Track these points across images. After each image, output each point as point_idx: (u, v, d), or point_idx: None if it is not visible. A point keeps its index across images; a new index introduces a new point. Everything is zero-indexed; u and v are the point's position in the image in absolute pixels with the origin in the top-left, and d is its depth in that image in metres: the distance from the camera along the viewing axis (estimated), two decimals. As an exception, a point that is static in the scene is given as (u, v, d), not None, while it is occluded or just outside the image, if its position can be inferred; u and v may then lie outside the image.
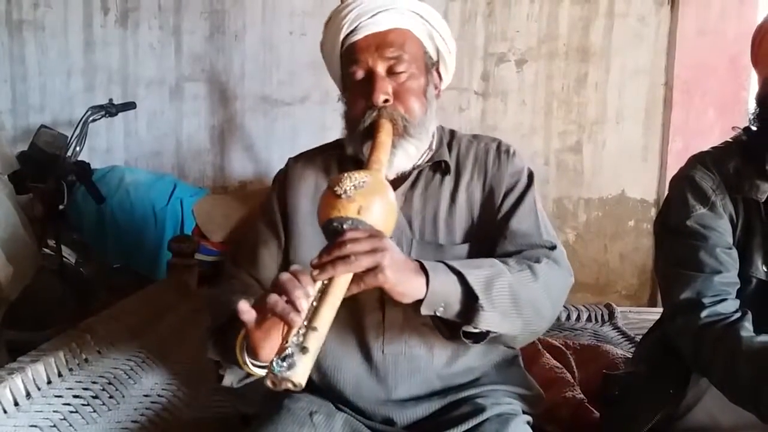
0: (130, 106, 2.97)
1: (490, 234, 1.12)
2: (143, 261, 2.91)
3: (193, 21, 3.33)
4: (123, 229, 2.89)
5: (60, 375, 1.44)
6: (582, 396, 1.45)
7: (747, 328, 1.08)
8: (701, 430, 1.15)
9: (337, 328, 1.11)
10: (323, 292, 0.85)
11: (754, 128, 1.20)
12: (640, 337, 1.54)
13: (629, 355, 1.65)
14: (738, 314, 1.11)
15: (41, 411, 1.29)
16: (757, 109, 1.19)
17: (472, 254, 1.11)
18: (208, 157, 3.42)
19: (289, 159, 1.26)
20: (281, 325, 0.85)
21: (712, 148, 1.27)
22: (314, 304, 0.83)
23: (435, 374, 1.12)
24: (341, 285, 0.85)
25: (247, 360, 0.94)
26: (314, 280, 0.85)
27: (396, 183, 1.12)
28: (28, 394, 1.33)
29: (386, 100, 1.08)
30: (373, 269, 0.85)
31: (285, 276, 0.85)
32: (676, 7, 3.14)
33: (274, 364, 0.78)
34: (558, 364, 1.60)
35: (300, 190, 1.19)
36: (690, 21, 3.11)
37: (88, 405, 1.35)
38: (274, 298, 0.83)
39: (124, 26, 3.36)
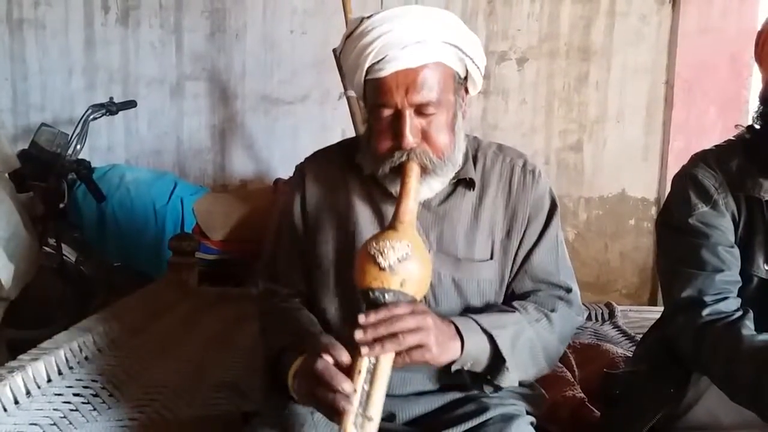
0: (130, 104, 2.98)
1: (510, 260, 1.15)
2: (144, 259, 2.91)
3: (194, 20, 3.33)
4: (123, 228, 2.89)
5: (60, 373, 1.44)
6: (582, 395, 1.44)
7: (748, 327, 1.08)
8: (702, 429, 1.15)
9: (337, 324, 1.12)
10: (372, 374, 0.88)
11: (757, 126, 1.20)
12: (641, 336, 1.54)
13: (630, 354, 1.65)
14: (739, 313, 1.11)
15: (42, 409, 1.29)
16: (761, 108, 1.19)
17: (489, 273, 1.13)
18: (209, 156, 3.42)
19: (304, 161, 1.25)
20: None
21: (715, 146, 1.26)
22: (365, 387, 0.87)
23: (435, 373, 1.12)
24: (387, 365, 0.89)
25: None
26: (360, 356, 0.88)
27: None
28: (28, 393, 1.33)
29: (416, 143, 1.05)
30: (420, 347, 0.90)
31: (325, 365, 0.89)
32: (678, 5, 3.13)
33: None
34: (558, 363, 1.60)
35: (317, 192, 1.19)
36: (691, 19, 3.11)
37: (88, 403, 1.35)
38: (322, 391, 0.88)
39: (125, 25, 3.36)
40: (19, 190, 2.66)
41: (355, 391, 0.86)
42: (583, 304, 2.16)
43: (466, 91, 1.17)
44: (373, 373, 0.88)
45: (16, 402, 1.29)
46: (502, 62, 3.26)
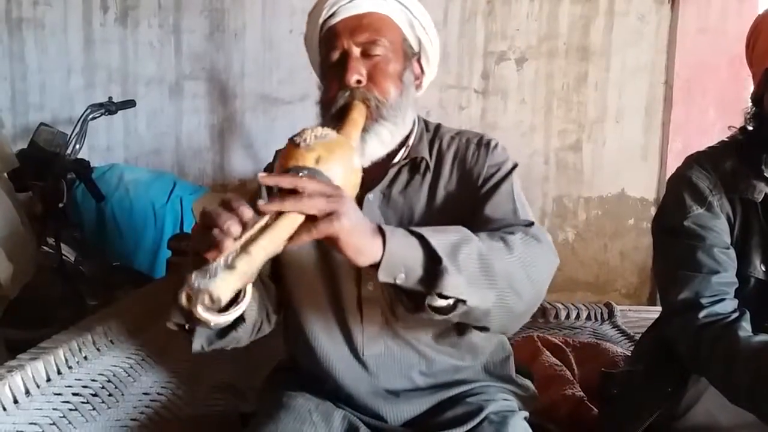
0: (129, 104, 2.97)
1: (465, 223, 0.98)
2: (143, 259, 2.91)
3: (193, 19, 3.33)
4: (122, 227, 2.89)
5: (60, 373, 1.43)
6: (582, 394, 1.45)
7: (745, 328, 1.08)
8: (701, 430, 1.15)
9: (323, 325, 1.11)
10: (265, 227, 0.75)
11: (750, 128, 1.20)
12: (640, 335, 1.54)
13: (629, 354, 1.65)
14: (736, 314, 1.11)
15: (41, 409, 1.29)
16: (753, 109, 1.19)
17: None
18: (208, 156, 3.42)
19: (277, 151, 1.25)
20: None
21: (709, 147, 1.27)
22: (252, 235, 0.74)
23: (418, 371, 1.11)
24: (287, 224, 0.76)
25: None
26: (259, 212, 0.76)
27: (375, 181, 1.09)
28: (27, 392, 1.32)
29: (359, 81, 1.05)
30: (329, 215, 0.77)
31: (216, 207, 0.79)
32: (677, 5, 3.13)
33: (193, 276, 0.70)
34: (558, 362, 1.60)
35: None
36: (690, 19, 3.11)
37: (87, 403, 1.35)
38: (204, 229, 0.77)
39: (124, 24, 3.35)
40: (18, 189, 2.66)
41: (240, 237, 0.75)
42: (582, 303, 2.18)
43: (421, 68, 1.17)
44: (265, 228, 0.75)
45: (16, 401, 1.28)
46: (501, 62, 3.25)
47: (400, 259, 0.83)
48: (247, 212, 0.77)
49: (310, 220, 0.77)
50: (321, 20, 1.10)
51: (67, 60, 3.38)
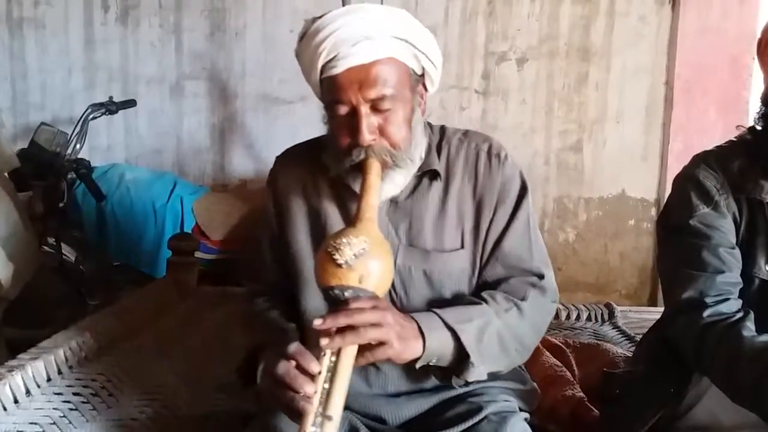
0: (130, 103, 2.98)
1: (480, 247, 1.13)
2: (143, 259, 2.91)
3: (194, 19, 3.33)
4: (123, 227, 2.89)
5: (60, 372, 1.44)
6: (582, 394, 1.44)
7: (749, 328, 1.08)
8: (703, 429, 1.15)
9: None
10: (333, 371, 0.87)
11: (758, 128, 1.20)
12: (640, 336, 1.54)
13: (629, 354, 1.65)
14: (740, 314, 1.11)
15: (41, 408, 1.29)
16: (763, 109, 1.18)
17: (460, 263, 1.12)
18: (209, 155, 3.42)
19: (276, 160, 1.26)
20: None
21: (716, 147, 1.26)
22: (325, 386, 0.87)
23: (425, 372, 1.10)
24: (349, 362, 0.88)
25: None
26: (322, 349, 0.88)
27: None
28: (28, 392, 1.33)
29: (373, 139, 1.05)
30: (382, 344, 0.91)
31: (286, 368, 0.90)
32: (677, 6, 3.13)
33: None
34: (558, 363, 1.60)
35: (287, 192, 1.19)
36: (691, 20, 3.11)
37: (87, 402, 1.35)
38: (283, 392, 0.89)
39: (125, 24, 3.36)
40: (19, 189, 2.65)
41: (315, 392, 0.86)
42: (582, 304, 2.18)
43: (425, 88, 1.15)
44: (333, 370, 0.87)
45: (16, 401, 1.29)
46: (501, 62, 3.26)
47: (435, 354, 1.00)
48: (315, 367, 0.88)
49: (364, 348, 0.91)
50: (320, 63, 1.05)
51: (68, 59, 3.38)
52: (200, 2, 3.31)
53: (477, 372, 1.02)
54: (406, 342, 0.94)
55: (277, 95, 3.33)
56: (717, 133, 2.99)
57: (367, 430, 1.08)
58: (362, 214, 0.99)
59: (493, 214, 1.12)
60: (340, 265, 0.89)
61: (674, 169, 1.30)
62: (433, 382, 1.12)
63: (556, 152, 3.30)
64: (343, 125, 1.06)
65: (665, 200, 1.34)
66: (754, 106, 1.21)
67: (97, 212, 2.88)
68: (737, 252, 1.16)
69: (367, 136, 1.03)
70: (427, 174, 1.14)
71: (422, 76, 1.12)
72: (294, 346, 0.93)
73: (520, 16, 3.23)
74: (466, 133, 1.19)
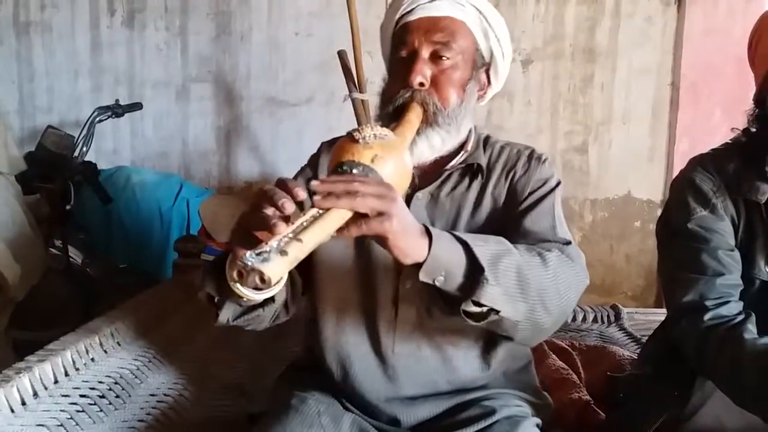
0: (136, 106, 2.99)
1: (505, 231, 1.04)
2: (149, 261, 2.92)
3: (200, 22, 3.34)
4: (129, 230, 2.90)
5: (67, 374, 1.44)
6: (588, 397, 1.44)
7: (750, 330, 1.08)
8: (707, 433, 1.15)
9: (351, 321, 1.11)
10: (317, 218, 0.77)
11: (753, 130, 1.20)
12: (647, 338, 1.54)
13: (635, 357, 1.64)
14: (741, 316, 1.11)
15: (48, 410, 1.29)
16: (755, 110, 1.19)
17: None
18: (214, 158, 3.43)
19: (322, 143, 1.24)
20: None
21: (712, 149, 1.27)
22: (304, 224, 0.76)
23: (444, 379, 1.11)
24: (338, 217, 0.78)
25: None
26: (313, 206, 0.77)
27: (426, 182, 1.11)
28: (35, 394, 1.33)
29: (422, 84, 1.05)
30: (380, 215, 0.79)
31: (273, 187, 0.80)
32: (683, 6, 3.13)
33: (247, 255, 0.70)
34: (564, 365, 1.60)
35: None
36: (697, 21, 3.10)
37: (94, 404, 1.35)
38: (257, 211, 0.77)
39: (131, 27, 3.37)
40: (26, 191, 2.68)
41: (293, 222, 0.75)
42: (588, 306, 2.18)
43: (488, 79, 1.18)
44: (317, 218, 0.76)
45: (23, 403, 1.29)
46: (507, 64, 3.25)
47: (443, 262, 0.86)
48: (302, 194, 0.79)
49: (361, 216, 0.79)
50: (398, 15, 1.11)
51: (75, 63, 3.40)
52: (206, 5, 3.33)
53: (491, 293, 0.86)
54: (408, 231, 0.83)
55: (283, 98, 3.34)
56: (723, 134, 2.94)
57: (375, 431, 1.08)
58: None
59: (522, 202, 1.11)
60: (356, 141, 0.84)
61: (680, 170, 1.29)
62: (448, 384, 1.11)
63: (561, 153, 3.29)
64: (399, 71, 1.09)
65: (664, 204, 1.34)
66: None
67: (104, 215, 2.89)
68: (736, 254, 1.16)
69: (418, 77, 1.05)
70: (469, 171, 1.14)
71: (488, 65, 1.15)
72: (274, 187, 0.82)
73: (525, 17, 3.23)
74: (508, 142, 1.21)
